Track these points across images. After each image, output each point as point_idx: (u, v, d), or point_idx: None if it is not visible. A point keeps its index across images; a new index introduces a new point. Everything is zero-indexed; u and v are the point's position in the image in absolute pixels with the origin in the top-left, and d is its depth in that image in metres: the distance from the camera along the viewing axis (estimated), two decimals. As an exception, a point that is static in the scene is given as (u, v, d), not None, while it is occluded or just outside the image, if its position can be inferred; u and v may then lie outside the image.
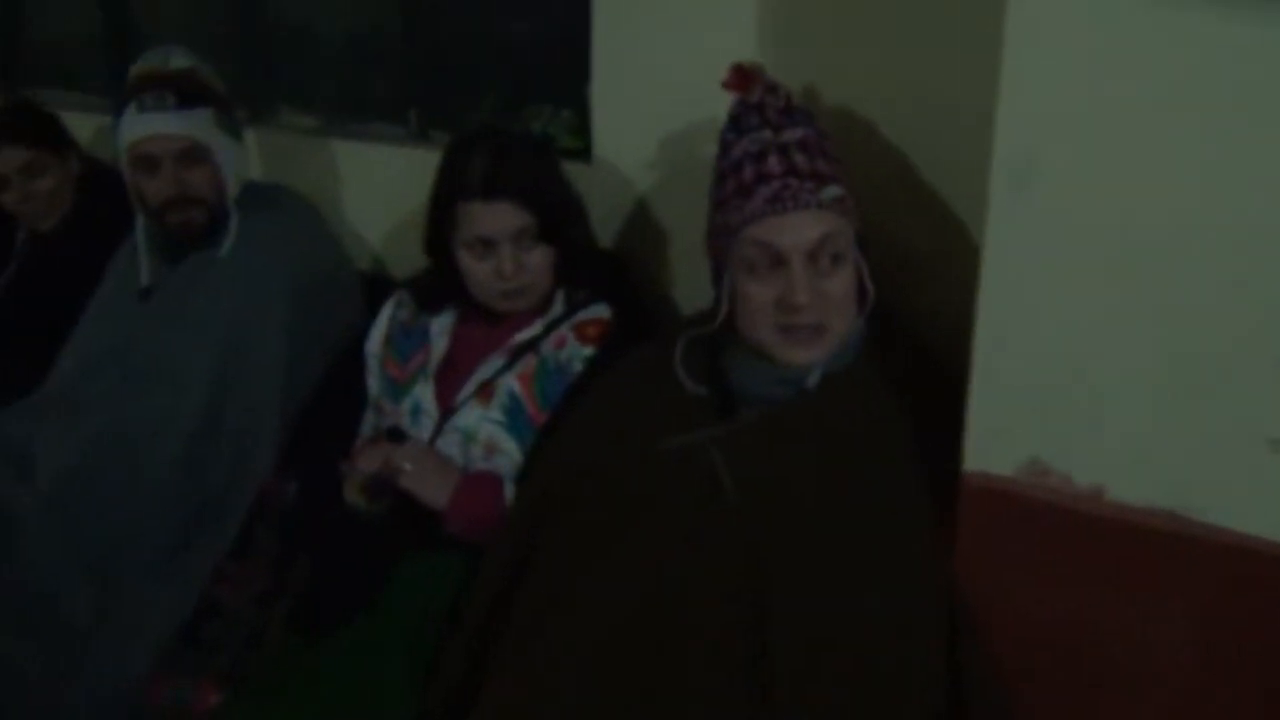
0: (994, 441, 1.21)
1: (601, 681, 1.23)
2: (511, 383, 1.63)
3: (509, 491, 1.54)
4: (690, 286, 1.78)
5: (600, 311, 1.67)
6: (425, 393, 1.67)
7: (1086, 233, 1.09)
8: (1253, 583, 1.10)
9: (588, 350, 1.63)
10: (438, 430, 1.63)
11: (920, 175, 1.51)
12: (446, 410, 1.64)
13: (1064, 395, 1.15)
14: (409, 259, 1.87)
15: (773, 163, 1.31)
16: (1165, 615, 1.15)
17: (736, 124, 1.37)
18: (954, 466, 1.25)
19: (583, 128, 1.86)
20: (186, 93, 1.83)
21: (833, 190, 1.31)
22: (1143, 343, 1.10)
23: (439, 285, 1.71)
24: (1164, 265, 1.07)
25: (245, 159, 1.96)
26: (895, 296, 1.39)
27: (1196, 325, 1.07)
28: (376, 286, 1.96)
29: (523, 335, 1.65)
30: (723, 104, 1.41)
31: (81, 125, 2.34)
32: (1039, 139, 1.08)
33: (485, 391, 1.63)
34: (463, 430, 1.62)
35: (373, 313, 1.81)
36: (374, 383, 1.75)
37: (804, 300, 1.29)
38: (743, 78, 1.37)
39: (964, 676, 1.23)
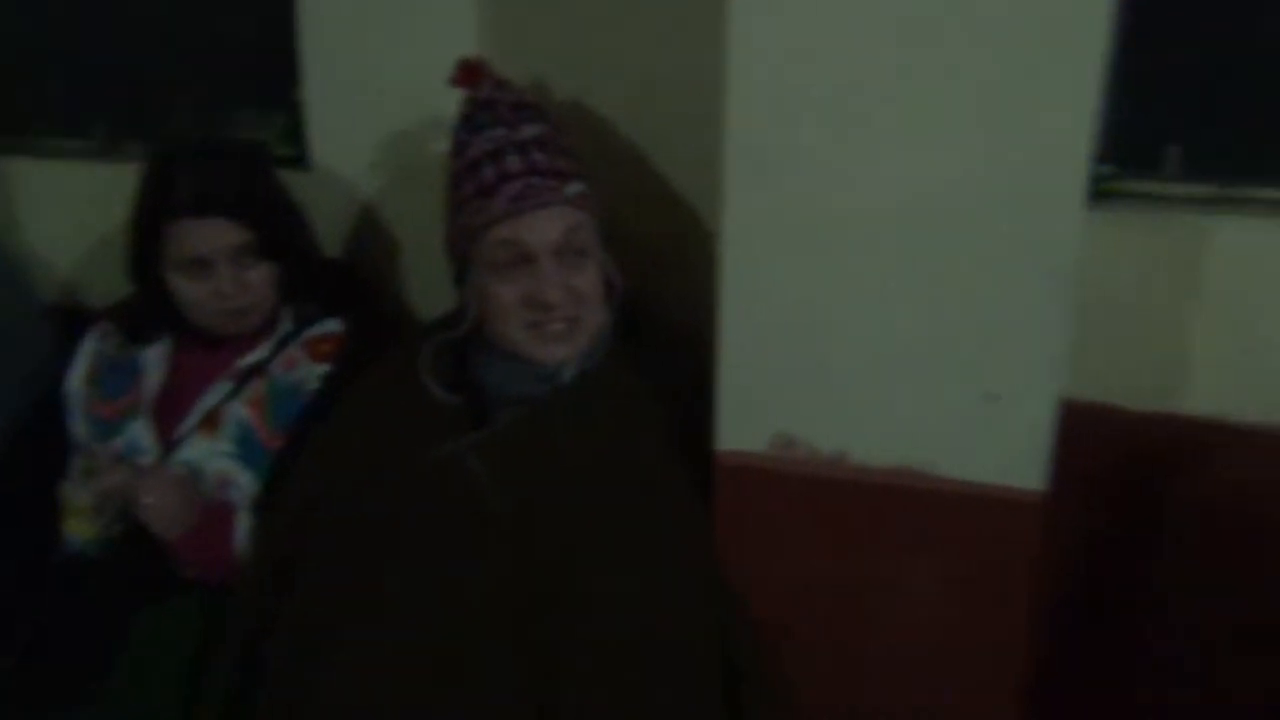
0: (742, 420, 1.29)
1: (390, 701, 1.21)
2: (240, 410, 1.56)
3: (244, 523, 1.48)
4: (427, 292, 1.78)
5: (333, 326, 1.64)
6: (142, 430, 1.57)
7: (819, 213, 1.19)
8: (982, 525, 1.24)
9: (323, 368, 1.59)
10: (159, 468, 1.55)
11: (655, 164, 1.59)
12: (168, 446, 1.56)
13: (805, 369, 1.25)
14: (106, 285, 1.75)
15: (512, 161, 1.33)
16: (912, 566, 1.28)
17: (469, 122, 1.38)
18: (709, 447, 1.32)
19: (296, 132, 1.82)
20: None
21: (575, 186, 1.35)
22: (873, 313, 1.21)
23: (149, 312, 1.62)
24: (890, 239, 1.18)
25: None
26: (641, 286, 1.45)
27: (921, 293, 1.19)
28: (69, 318, 1.82)
29: (248, 358, 1.59)
30: (447, 101, 1.42)
31: None
32: (770, 124, 1.17)
33: (211, 421, 1.56)
34: (189, 464, 1.54)
35: (67, 348, 1.68)
36: (78, 425, 1.63)
37: (555, 297, 1.33)
38: (470, 74, 1.39)
39: (735, 650, 1.31)
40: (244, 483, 1.53)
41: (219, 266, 1.53)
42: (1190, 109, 1.50)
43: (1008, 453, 1.21)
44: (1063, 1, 1.07)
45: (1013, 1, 1.08)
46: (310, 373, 1.59)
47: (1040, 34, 1.08)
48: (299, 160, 1.81)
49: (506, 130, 1.36)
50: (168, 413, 1.58)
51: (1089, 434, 1.36)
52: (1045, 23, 1.07)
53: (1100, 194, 1.49)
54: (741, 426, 1.29)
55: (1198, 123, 1.50)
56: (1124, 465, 1.45)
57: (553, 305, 1.34)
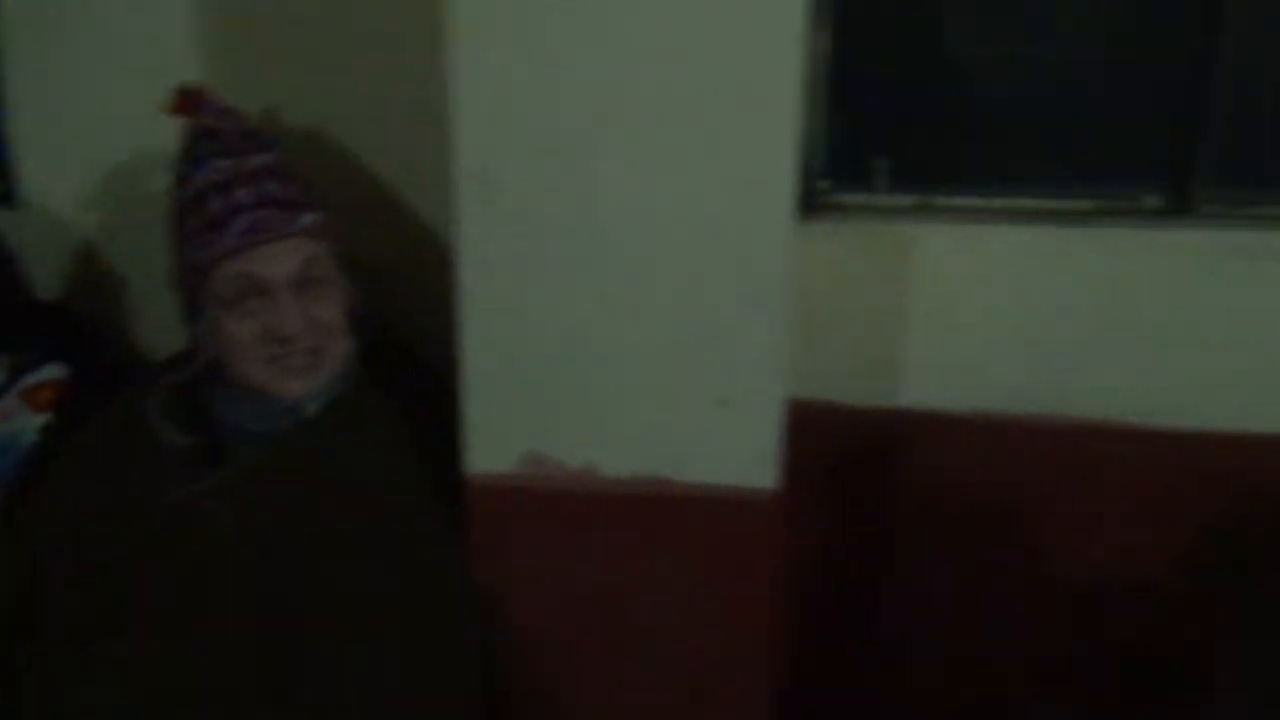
0: (491, 441, 1.33)
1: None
2: (-52, 470, 1.48)
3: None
4: (156, 331, 1.73)
5: (53, 373, 1.57)
6: None
7: (550, 233, 1.25)
8: (722, 526, 1.33)
9: (42, 418, 1.53)
10: None
11: (393, 188, 1.62)
12: None
13: (549, 387, 1.31)
14: None
15: (242, 193, 1.32)
16: (662, 570, 1.35)
17: (192, 153, 1.36)
18: (459, 469, 1.36)
19: (1, 168, 1.73)
20: None
21: (310, 215, 1.36)
22: (609, 329, 1.28)
23: None
24: (619, 258, 1.25)
25: None
26: (385, 312, 1.47)
27: (652, 307, 1.27)
28: None
29: (-45, 413, 1.51)
30: (169, 131, 1.39)
31: None
32: (497, 149, 1.22)
33: (-86, 485, 1.47)
34: (-109, 534, 1.44)
35: None
36: None
37: (294, 330, 1.33)
38: (189, 102, 1.37)
39: (495, 670, 1.35)
40: (-44, 549, 1.44)
41: (-85, 316, 1.45)
42: (896, 125, 1.67)
43: (741, 455, 1.31)
44: (760, 40, 1.17)
45: (716, 36, 1.17)
46: (28, 424, 1.52)
47: (742, 66, 1.18)
48: (6, 197, 1.73)
49: (234, 160, 1.35)
50: None
51: (817, 431, 1.49)
52: (745, 57, 1.18)
53: (820, 206, 1.64)
54: (490, 447, 1.33)
55: (903, 138, 1.66)
56: (850, 459, 1.58)
57: (293, 338, 1.34)
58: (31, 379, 1.56)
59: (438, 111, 1.24)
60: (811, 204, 1.63)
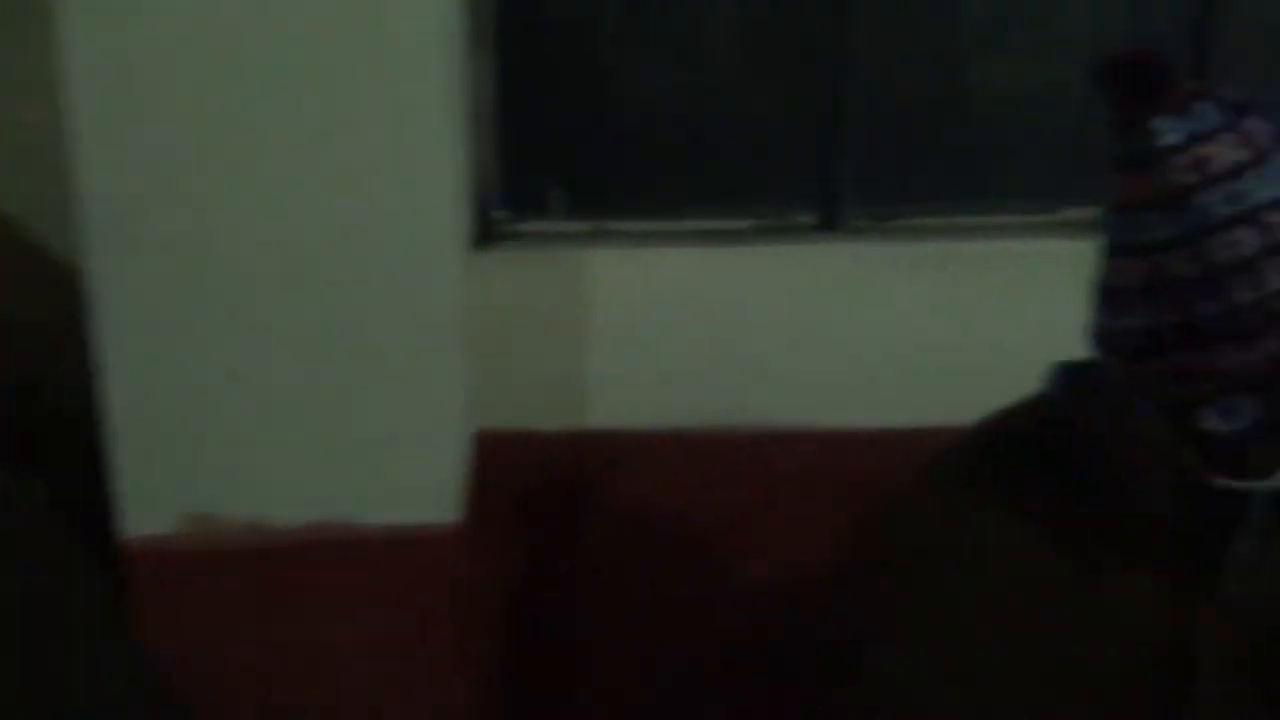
0: (146, 502, 1.25)
1: None
2: None
3: None
4: None
5: None
6: None
7: (196, 284, 1.19)
8: (404, 564, 1.29)
9: None
10: None
11: (24, 236, 1.50)
12: None
13: (206, 441, 1.24)
14: None
15: None
16: (345, 613, 1.30)
17: None
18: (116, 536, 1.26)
19: None
20: None
21: None
22: (267, 375, 1.23)
23: None
24: (274, 302, 1.21)
25: None
26: (27, 375, 1.35)
27: (313, 350, 1.23)
28: None
29: None
30: None
31: None
32: (123, 185, 1.16)
33: None
34: None
35: None
36: None
37: None
38: None
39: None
40: None
41: None
42: (568, 152, 1.70)
43: (421, 491, 1.29)
44: (402, 58, 1.16)
45: (352, 53, 1.15)
46: None
47: (385, 87, 1.17)
48: None
49: None
50: None
51: (507, 459, 1.48)
52: (387, 77, 1.16)
53: (497, 236, 1.64)
54: (146, 509, 1.25)
55: (576, 165, 1.69)
56: (542, 483, 1.58)
57: None
58: None
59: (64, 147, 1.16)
60: (488, 234, 1.62)
